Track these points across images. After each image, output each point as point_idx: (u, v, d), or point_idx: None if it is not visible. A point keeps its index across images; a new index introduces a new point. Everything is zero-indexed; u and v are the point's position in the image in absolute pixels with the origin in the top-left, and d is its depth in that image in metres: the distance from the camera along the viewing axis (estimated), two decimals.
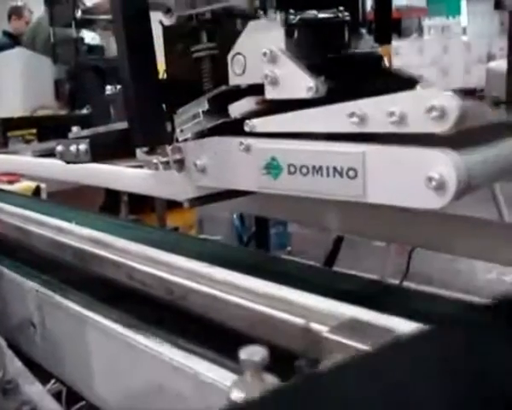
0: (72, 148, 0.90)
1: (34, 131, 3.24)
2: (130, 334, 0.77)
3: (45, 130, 3.15)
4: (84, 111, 3.50)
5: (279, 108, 0.73)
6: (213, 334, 0.72)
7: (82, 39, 4.14)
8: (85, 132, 1.00)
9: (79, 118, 3.41)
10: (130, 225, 1.49)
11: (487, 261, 1.03)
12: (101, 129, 1.00)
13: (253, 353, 0.43)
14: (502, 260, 1.00)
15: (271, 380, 0.44)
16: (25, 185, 2.41)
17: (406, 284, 2.02)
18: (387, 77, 0.84)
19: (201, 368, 0.66)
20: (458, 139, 0.60)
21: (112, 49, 4.12)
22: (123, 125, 0.90)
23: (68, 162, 0.94)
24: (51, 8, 4.12)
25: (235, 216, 3.47)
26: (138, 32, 0.83)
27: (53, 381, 1.18)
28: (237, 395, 0.43)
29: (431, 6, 6.17)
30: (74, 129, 1.04)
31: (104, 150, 0.92)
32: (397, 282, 2.03)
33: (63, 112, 3.94)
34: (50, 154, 2.13)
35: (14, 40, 4.61)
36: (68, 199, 1.78)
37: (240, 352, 0.43)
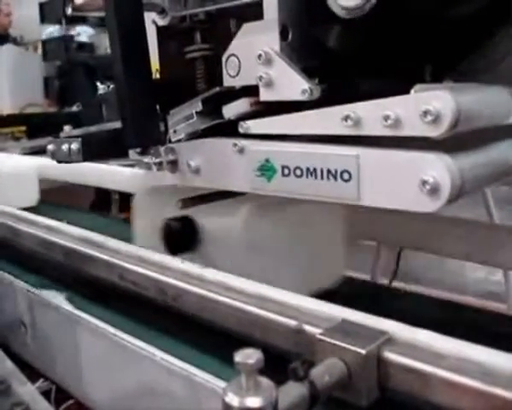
0: (64, 147, 0.90)
1: (23, 128, 3.23)
2: (120, 334, 0.77)
3: (35, 127, 3.14)
4: (74, 108, 3.48)
5: (273, 110, 0.73)
6: (207, 335, 0.71)
7: (72, 36, 4.13)
8: (77, 132, 1.00)
9: (69, 115, 3.40)
10: (120, 223, 1.49)
11: (477, 263, 1.04)
12: (94, 128, 1.00)
13: (247, 356, 0.43)
14: (491, 261, 1.01)
15: (266, 383, 0.44)
16: None
17: (395, 283, 2.02)
18: None
19: (195, 370, 0.66)
20: (452, 143, 0.60)
21: (102, 46, 4.11)
22: (115, 124, 0.89)
23: (60, 161, 0.93)
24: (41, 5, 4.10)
25: None
26: (132, 32, 0.82)
27: (41, 380, 1.18)
28: (232, 398, 0.43)
29: None
30: (66, 128, 1.03)
31: (96, 150, 0.91)
32: (386, 281, 2.04)
33: (53, 109, 3.92)
34: (40, 151, 2.12)
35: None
36: (59, 197, 1.77)
37: (235, 355, 0.43)
